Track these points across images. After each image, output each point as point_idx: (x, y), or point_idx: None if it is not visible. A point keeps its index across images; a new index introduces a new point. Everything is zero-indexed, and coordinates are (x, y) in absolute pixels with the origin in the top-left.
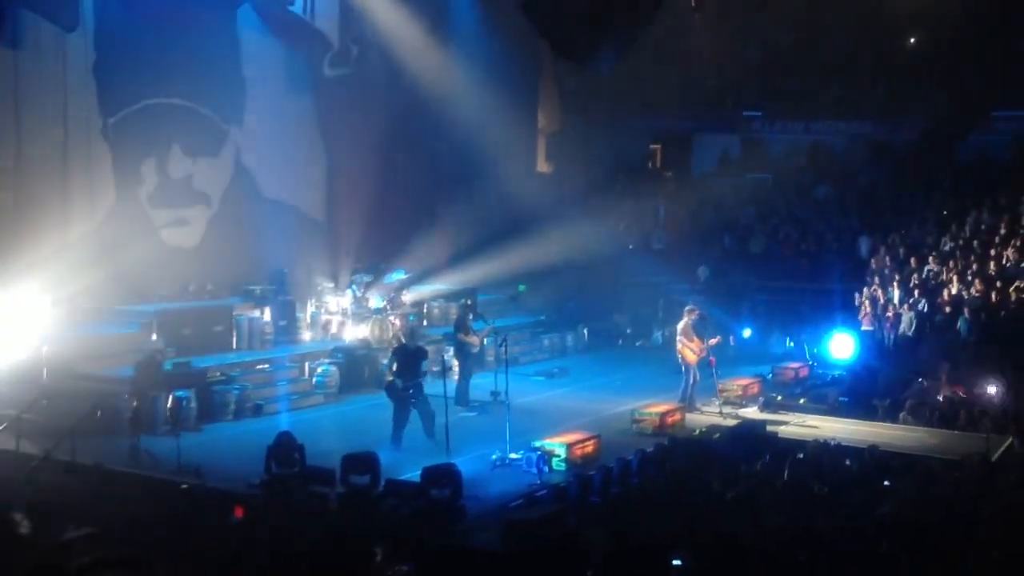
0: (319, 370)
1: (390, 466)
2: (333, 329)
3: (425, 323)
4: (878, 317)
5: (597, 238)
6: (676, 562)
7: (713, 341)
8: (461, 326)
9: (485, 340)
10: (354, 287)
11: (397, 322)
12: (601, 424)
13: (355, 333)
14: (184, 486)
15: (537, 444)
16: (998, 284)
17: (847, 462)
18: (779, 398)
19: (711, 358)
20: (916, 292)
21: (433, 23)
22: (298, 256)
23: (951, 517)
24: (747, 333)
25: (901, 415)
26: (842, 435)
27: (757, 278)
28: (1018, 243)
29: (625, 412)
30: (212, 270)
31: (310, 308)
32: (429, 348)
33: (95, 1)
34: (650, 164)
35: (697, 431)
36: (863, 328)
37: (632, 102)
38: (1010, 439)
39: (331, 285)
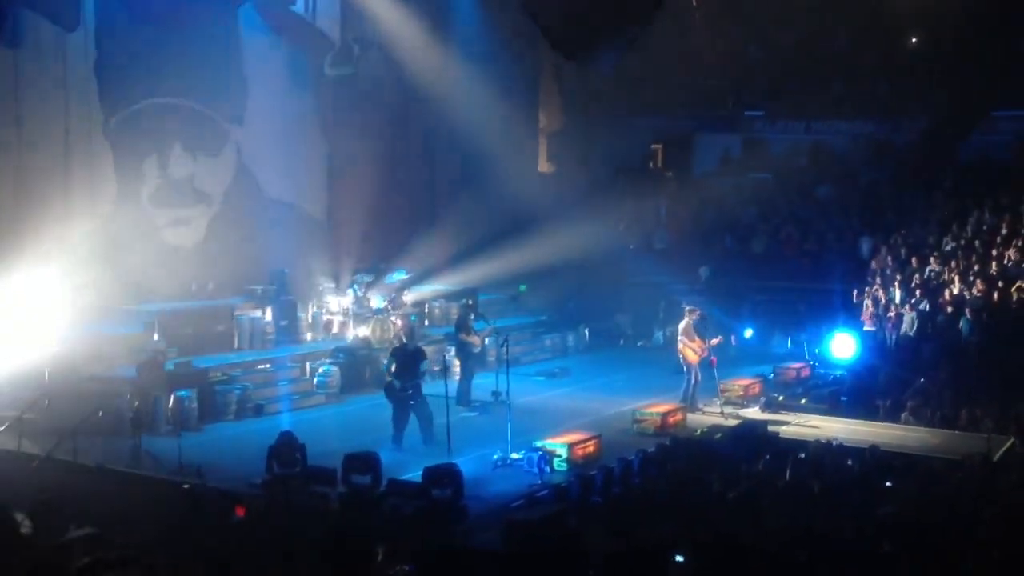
0: (320, 370)
1: (391, 466)
2: (334, 329)
3: (426, 323)
4: (879, 317)
5: (598, 238)
6: (678, 558)
7: (714, 341)
8: (462, 326)
9: (486, 340)
10: (355, 287)
11: (399, 322)
12: (602, 424)
13: (356, 333)
14: (185, 486)
15: (538, 444)
16: (1000, 284)
17: (848, 462)
18: (780, 398)
19: (712, 358)
20: (918, 292)
21: (434, 23)
22: (299, 256)
23: (952, 517)
24: (748, 333)
25: (902, 415)
26: (843, 435)
27: (758, 278)
28: (1020, 243)
29: (626, 412)
30: (213, 270)
31: (311, 308)
32: (430, 348)
33: (96, 1)
34: (651, 164)
35: (698, 431)
36: (864, 328)
37: (633, 102)
38: (1011, 439)
39: (332, 285)
